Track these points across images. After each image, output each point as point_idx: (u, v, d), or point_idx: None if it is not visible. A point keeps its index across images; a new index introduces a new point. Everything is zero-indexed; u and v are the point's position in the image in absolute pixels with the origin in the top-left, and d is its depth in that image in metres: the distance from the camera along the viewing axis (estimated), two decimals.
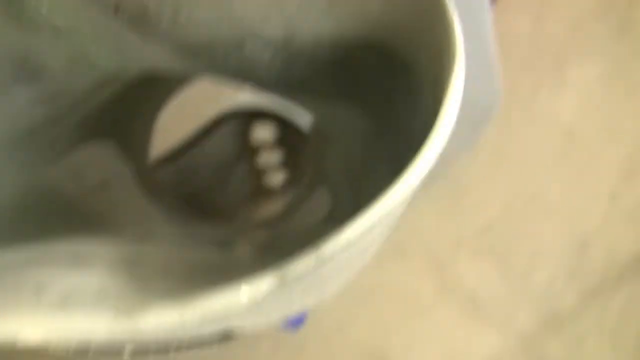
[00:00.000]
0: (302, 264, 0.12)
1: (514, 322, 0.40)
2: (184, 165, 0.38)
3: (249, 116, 0.41)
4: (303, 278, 0.12)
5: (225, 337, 0.15)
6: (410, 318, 0.39)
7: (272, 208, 0.46)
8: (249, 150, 0.42)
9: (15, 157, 0.23)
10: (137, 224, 0.26)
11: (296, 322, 0.36)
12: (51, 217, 0.23)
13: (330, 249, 0.12)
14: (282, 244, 0.27)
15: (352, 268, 0.16)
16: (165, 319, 0.11)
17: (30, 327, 0.12)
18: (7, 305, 0.13)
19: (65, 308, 0.13)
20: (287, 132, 0.42)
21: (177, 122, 0.38)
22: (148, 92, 0.32)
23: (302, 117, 0.40)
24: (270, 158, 0.44)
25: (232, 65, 0.24)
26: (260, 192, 0.46)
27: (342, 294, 0.17)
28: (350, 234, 0.12)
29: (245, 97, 0.42)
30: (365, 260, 0.16)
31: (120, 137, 0.30)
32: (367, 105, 0.21)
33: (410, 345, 0.39)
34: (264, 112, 0.41)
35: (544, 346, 0.39)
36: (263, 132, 0.42)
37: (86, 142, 0.27)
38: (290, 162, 0.44)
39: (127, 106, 0.30)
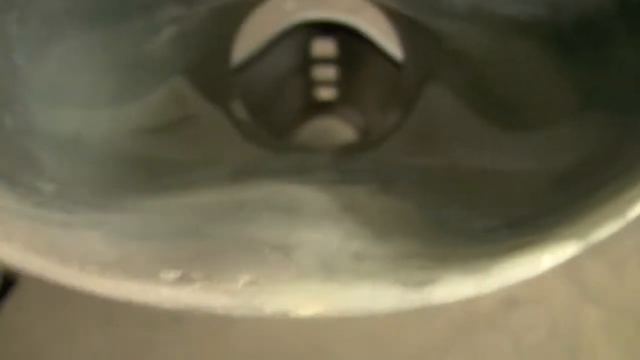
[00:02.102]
0: (607, 228, 0.12)
1: None
2: (248, 78, 0.38)
3: (312, 30, 0.40)
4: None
5: None
6: None
7: (320, 123, 0.47)
8: (307, 64, 0.42)
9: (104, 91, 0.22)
10: (235, 159, 0.26)
11: None
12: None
13: (634, 213, 0.12)
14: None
15: None
16: (459, 290, 0.11)
17: (306, 301, 0.11)
18: (259, 271, 0.12)
19: (334, 276, 0.12)
20: (347, 49, 0.42)
21: (248, 37, 0.37)
22: (222, 22, 0.31)
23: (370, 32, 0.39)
24: (326, 72, 0.44)
25: None
26: (312, 106, 0.46)
27: None
28: None
29: (310, 12, 0.41)
30: None
31: (197, 72, 0.28)
32: None
33: None
34: (327, 26, 0.40)
35: (585, 268, 0.43)
36: (323, 46, 0.42)
37: (167, 79, 0.26)
38: (345, 79, 0.44)
39: (203, 40, 0.29)
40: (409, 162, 0.24)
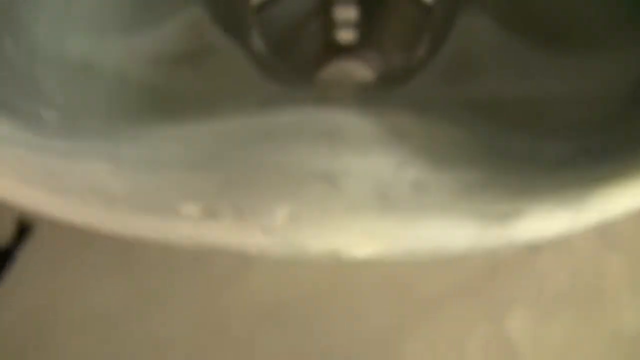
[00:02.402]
0: None
1: None
2: (268, 16, 0.35)
3: None
4: None
5: None
6: None
7: (339, 64, 0.45)
8: (327, 4, 0.40)
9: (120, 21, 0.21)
10: (255, 92, 0.24)
11: None
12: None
13: None
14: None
15: None
16: (551, 224, 0.10)
17: (361, 238, 0.09)
18: (300, 202, 0.10)
19: (393, 208, 0.11)
20: None
21: None
22: None
23: None
24: (346, 13, 0.41)
25: None
26: (331, 48, 0.44)
27: None
28: None
29: None
30: None
31: (216, 4, 0.26)
32: None
33: None
34: None
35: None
36: None
37: (184, 7, 0.25)
38: (366, 21, 0.41)
39: None
40: (447, 92, 0.22)
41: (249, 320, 0.45)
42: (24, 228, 0.46)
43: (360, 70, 0.45)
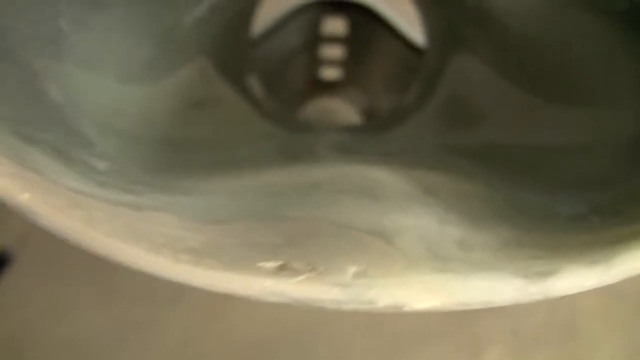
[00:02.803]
0: None
1: None
2: (262, 54, 0.37)
3: (325, 8, 0.39)
4: None
5: None
6: None
7: (324, 102, 0.46)
8: (315, 42, 0.41)
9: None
10: (257, 138, 0.25)
11: None
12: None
13: None
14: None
15: None
16: (581, 281, 0.11)
17: (421, 293, 0.11)
18: (365, 260, 0.11)
19: (447, 266, 0.11)
20: (357, 29, 0.41)
21: (266, 12, 0.36)
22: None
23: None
24: (333, 52, 0.43)
25: None
26: (316, 85, 0.45)
27: None
28: None
29: None
30: None
31: (218, 50, 0.27)
32: None
33: None
34: (340, 4, 0.39)
35: None
36: (333, 24, 0.41)
37: (193, 57, 0.25)
38: (352, 59, 0.43)
39: (226, 16, 0.28)
40: (447, 139, 0.23)
41: (228, 355, 0.45)
42: (4, 258, 0.45)
43: (343, 107, 0.46)
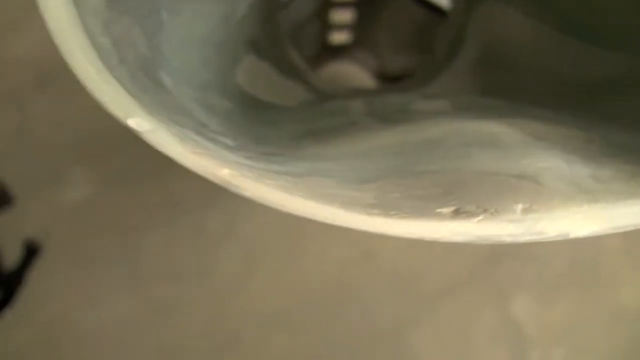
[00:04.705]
0: None
1: None
2: (277, 24, 0.37)
3: None
4: None
5: None
6: None
7: (335, 66, 0.47)
8: (327, 7, 0.42)
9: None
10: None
11: None
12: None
13: None
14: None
15: None
16: None
17: (583, 222, 0.12)
18: (526, 198, 0.12)
19: (596, 196, 0.13)
20: None
21: None
22: None
23: None
24: (341, 16, 0.43)
25: None
26: (327, 50, 0.46)
27: None
28: None
29: None
30: None
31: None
32: None
33: None
34: None
35: None
36: None
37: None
38: (362, 22, 0.44)
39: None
40: (492, 90, 0.24)
41: (257, 325, 0.46)
42: (31, 250, 0.46)
43: (355, 71, 0.47)
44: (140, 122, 0.12)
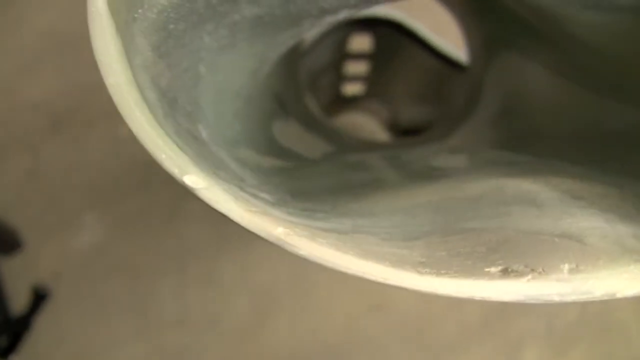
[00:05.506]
0: None
1: None
2: (298, 77, 0.38)
3: (352, 26, 0.41)
4: None
5: None
6: None
7: (348, 117, 0.47)
8: (341, 59, 0.43)
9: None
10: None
11: None
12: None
13: None
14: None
15: None
16: None
17: (629, 282, 0.12)
18: (572, 258, 0.13)
19: (636, 257, 0.13)
20: (383, 44, 0.42)
21: None
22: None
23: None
24: (355, 68, 0.44)
25: None
26: (338, 100, 0.46)
27: None
28: None
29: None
30: None
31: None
32: None
33: None
34: (366, 22, 0.41)
35: None
36: (359, 42, 0.42)
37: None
38: (375, 74, 0.44)
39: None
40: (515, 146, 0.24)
41: None
42: (40, 295, 0.45)
43: (367, 122, 0.48)
44: (195, 179, 0.12)
